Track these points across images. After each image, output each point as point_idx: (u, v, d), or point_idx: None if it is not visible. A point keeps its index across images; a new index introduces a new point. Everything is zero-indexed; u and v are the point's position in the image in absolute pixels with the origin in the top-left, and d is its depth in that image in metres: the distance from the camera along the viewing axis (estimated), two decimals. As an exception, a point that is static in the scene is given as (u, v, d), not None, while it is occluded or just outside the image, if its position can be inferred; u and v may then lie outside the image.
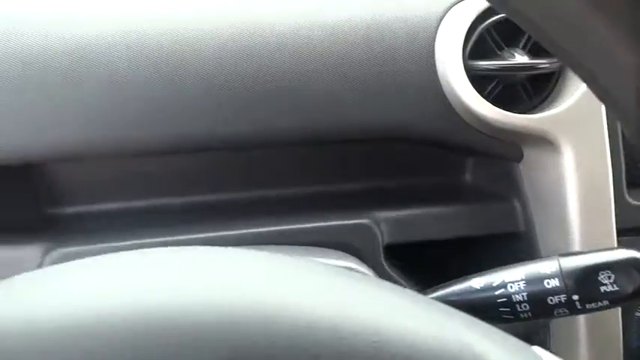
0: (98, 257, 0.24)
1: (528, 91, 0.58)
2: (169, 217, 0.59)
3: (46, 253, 0.52)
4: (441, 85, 0.56)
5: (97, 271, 0.22)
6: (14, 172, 0.55)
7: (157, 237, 0.55)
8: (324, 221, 0.58)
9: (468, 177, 0.67)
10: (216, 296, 0.21)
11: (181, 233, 0.55)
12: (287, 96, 0.53)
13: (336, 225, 0.58)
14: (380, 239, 0.58)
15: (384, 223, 0.59)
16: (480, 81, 0.56)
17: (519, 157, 0.60)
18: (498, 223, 0.61)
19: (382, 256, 0.58)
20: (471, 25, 0.56)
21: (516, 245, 0.61)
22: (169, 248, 0.25)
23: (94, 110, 0.51)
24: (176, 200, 0.60)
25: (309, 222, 0.57)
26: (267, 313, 0.21)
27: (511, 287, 0.40)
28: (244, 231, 0.56)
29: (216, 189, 0.61)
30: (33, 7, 0.52)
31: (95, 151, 0.53)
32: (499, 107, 0.56)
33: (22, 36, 0.50)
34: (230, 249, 0.26)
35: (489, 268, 0.45)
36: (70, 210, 0.59)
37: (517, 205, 0.61)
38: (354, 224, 0.58)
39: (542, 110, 0.58)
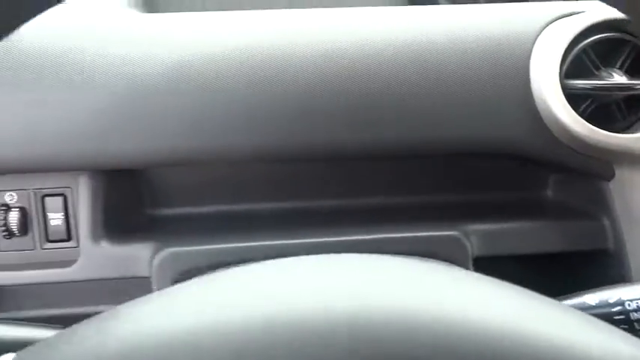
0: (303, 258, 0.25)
1: (622, 110, 0.59)
2: (264, 222, 0.60)
3: (155, 252, 0.54)
4: (535, 103, 0.57)
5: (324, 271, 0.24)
6: (122, 176, 0.58)
7: (254, 241, 0.56)
8: (415, 232, 0.59)
9: (549, 193, 0.68)
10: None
11: (276, 238, 0.57)
12: (388, 110, 0.55)
13: (427, 236, 0.59)
14: (470, 251, 0.59)
15: (473, 235, 0.60)
16: (574, 99, 0.57)
17: (610, 176, 0.60)
18: (587, 240, 0.61)
19: (472, 268, 0.59)
20: (568, 45, 0.57)
21: (606, 263, 0.61)
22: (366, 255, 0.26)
23: (192, 120, 0.53)
24: (270, 206, 0.62)
25: (401, 232, 0.59)
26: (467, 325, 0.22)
27: (629, 305, 0.41)
28: (335, 239, 0.58)
29: (308, 196, 0.63)
30: (130, 27, 0.54)
31: (193, 157, 0.55)
32: (593, 126, 0.57)
33: (124, 58, 0.52)
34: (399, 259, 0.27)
35: (578, 285, 0.45)
36: (168, 212, 0.61)
37: (606, 222, 0.61)
38: (445, 236, 0.59)
39: (637, 130, 0.58)
